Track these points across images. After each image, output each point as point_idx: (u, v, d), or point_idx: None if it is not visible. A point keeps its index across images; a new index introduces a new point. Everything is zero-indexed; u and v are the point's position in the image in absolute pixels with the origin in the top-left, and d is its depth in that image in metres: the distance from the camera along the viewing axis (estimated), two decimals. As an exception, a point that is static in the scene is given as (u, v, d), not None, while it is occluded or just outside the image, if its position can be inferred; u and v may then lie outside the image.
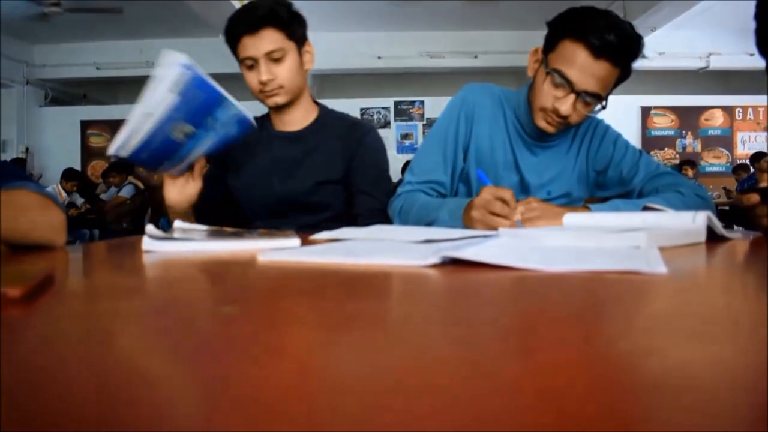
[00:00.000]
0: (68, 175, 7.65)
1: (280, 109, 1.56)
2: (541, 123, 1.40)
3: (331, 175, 1.56)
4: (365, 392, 0.24)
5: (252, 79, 1.49)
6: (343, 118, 1.66)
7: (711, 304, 0.47)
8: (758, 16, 1.14)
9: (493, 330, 0.38)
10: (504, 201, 1.13)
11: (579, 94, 1.31)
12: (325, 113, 1.65)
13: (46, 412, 0.22)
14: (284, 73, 1.48)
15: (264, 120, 1.66)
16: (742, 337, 0.35)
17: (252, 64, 1.46)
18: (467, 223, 1.21)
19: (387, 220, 1.52)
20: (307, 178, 1.55)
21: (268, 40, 1.44)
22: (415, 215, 1.40)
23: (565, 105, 1.32)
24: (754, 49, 1.18)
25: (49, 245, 0.95)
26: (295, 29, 1.48)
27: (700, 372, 0.28)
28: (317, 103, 1.66)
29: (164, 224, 1.37)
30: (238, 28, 1.46)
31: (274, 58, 1.45)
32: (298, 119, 1.60)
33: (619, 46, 1.27)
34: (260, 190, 1.59)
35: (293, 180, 1.56)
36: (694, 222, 0.96)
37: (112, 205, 6.83)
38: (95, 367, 0.29)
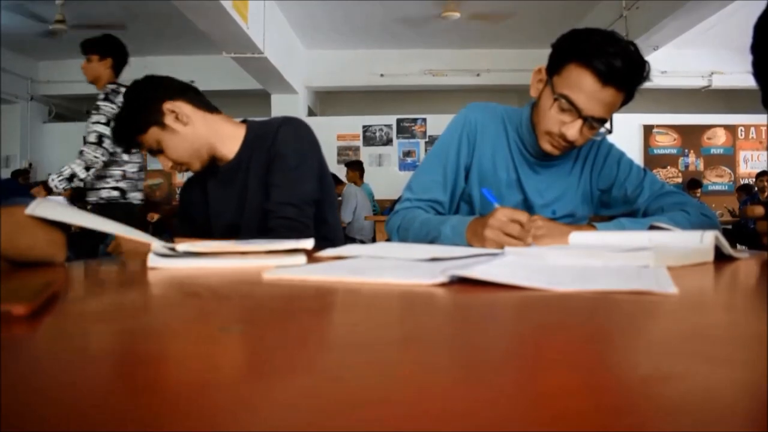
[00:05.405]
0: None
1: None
2: (547, 146, 1.39)
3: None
4: (372, 412, 0.24)
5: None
6: (264, 125, 1.60)
7: (727, 325, 0.46)
8: (755, 49, 1.13)
9: (501, 352, 0.37)
10: (520, 224, 1.14)
11: (586, 119, 1.31)
12: (251, 130, 1.60)
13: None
14: (172, 155, 1.51)
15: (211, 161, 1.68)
16: (765, 359, 0.34)
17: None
18: (475, 240, 1.20)
19: (293, 215, 1.46)
20: (257, 207, 1.53)
21: (144, 146, 1.52)
22: (415, 232, 1.39)
23: (572, 130, 1.32)
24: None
25: (49, 261, 0.95)
26: (145, 122, 1.49)
27: (722, 397, 0.27)
28: (245, 121, 1.63)
29: (167, 238, 1.38)
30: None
31: (156, 152, 1.51)
32: (227, 154, 1.58)
33: (625, 73, 1.26)
34: (220, 230, 1.59)
35: (248, 212, 1.55)
36: (702, 241, 0.95)
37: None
38: (102, 386, 0.29)
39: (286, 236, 1.36)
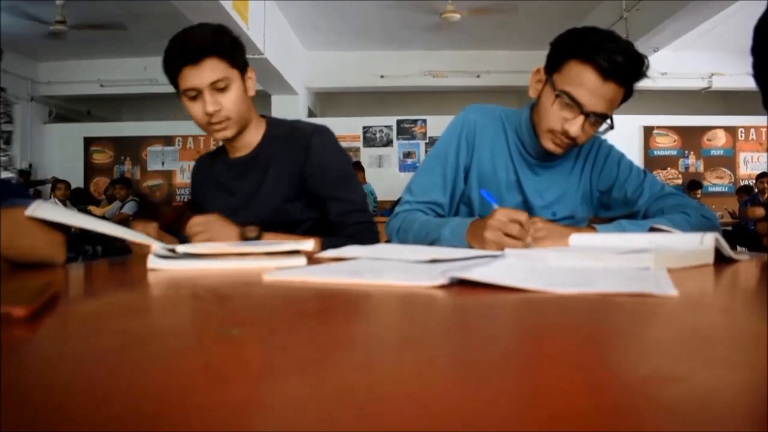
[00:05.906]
0: (71, 191, 7.67)
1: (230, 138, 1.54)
2: (549, 144, 1.39)
3: (290, 194, 1.52)
4: (372, 412, 0.24)
5: (196, 110, 1.43)
6: (289, 127, 1.60)
7: (727, 326, 0.46)
8: (756, 51, 1.13)
9: (501, 352, 0.37)
10: (520, 223, 1.13)
11: (588, 115, 1.31)
12: (271, 127, 1.60)
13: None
14: (230, 103, 1.43)
15: (218, 150, 1.66)
16: (765, 361, 0.34)
17: (195, 95, 1.41)
18: (474, 242, 1.20)
19: (364, 219, 1.51)
20: (266, 203, 1.53)
21: (211, 70, 1.39)
22: (414, 234, 1.39)
23: (575, 126, 1.32)
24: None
25: (49, 263, 0.95)
26: (237, 57, 1.45)
27: (722, 398, 0.27)
28: (264, 116, 1.64)
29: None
30: (178, 59, 1.40)
31: (219, 87, 1.41)
32: (249, 142, 1.57)
33: (626, 68, 1.27)
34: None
35: (255, 207, 1.54)
36: (702, 243, 0.95)
37: (115, 221, 6.84)
38: (102, 387, 0.29)
39: (368, 239, 1.45)
